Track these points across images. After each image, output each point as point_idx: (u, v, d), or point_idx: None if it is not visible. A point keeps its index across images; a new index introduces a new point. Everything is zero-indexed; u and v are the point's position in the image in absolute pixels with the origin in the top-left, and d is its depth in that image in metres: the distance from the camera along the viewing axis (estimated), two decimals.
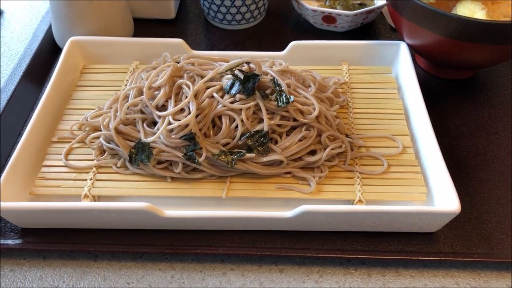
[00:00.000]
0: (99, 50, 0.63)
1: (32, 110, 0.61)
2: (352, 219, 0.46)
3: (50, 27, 0.70)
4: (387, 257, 0.47)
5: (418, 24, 0.56)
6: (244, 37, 0.73)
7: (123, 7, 0.68)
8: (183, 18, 0.76)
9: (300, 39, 0.64)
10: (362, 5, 0.72)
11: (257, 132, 0.49)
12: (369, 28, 0.73)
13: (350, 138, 0.53)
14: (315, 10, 0.69)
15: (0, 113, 0.58)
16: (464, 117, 0.61)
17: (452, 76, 0.65)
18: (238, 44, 0.72)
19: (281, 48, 0.63)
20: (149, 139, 0.48)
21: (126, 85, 0.59)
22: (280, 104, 0.49)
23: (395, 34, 0.73)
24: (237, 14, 0.71)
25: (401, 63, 0.61)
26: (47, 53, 0.68)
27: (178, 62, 0.55)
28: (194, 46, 0.66)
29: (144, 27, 0.73)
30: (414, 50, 0.63)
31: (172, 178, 0.50)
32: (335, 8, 0.71)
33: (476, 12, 0.55)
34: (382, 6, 0.69)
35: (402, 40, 0.62)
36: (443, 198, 0.47)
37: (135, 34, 0.72)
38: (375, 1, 0.72)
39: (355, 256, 0.47)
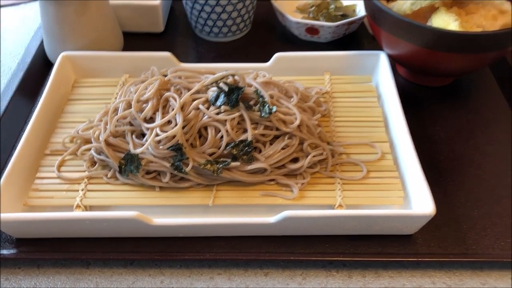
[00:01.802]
0: (89, 64, 0.66)
1: (25, 123, 0.62)
2: (333, 223, 0.49)
3: (42, 43, 0.72)
4: (367, 259, 0.49)
5: (396, 35, 0.59)
6: (231, 49, 0.75)
7: (112, 22, 0.70)
8: (172, 31, 0.79)
9: (285, 50, 0.67)
10: (344, 16, 0.74)
11: (242, 141, 0.51)
12: (351, 38, 0.76)
13: (331, 145, 0.55)
14: (298, 22, 0.71)
15: None
16: (443, 123, 0.63)
17: (431, 84, 0.68)
18: (225, 55, 0.74)
19: (266, 59, 0.66)
20: (138, 150, 0.51)
21: (116, 98, 0.61)
22: (263, 114, 0.51)
23: (376, 43, 0.75)
24: (223, 27, 0.73)
25: (381, 72, 0.63)
26: (39, 68, 0.70)
27: (165, 75, 0.57)
28: (182, 59, 0.68)
29: (134, 40, 0.75)
30: (394, 60, 0.65)
31: (161, 188, 0.52)
32: (318, 19, 0.74)
33: (450, 23, 0.57)
34: (362, 17, 0.72)
35: (382, 50, 0.65)
36: (420, 201, 0.49)
37: (125, 48, 0.74)
38: (357, 12, 0.75)
39: (336, 258, 0.49)
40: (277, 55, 0.65)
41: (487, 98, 0.67)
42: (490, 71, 0.70)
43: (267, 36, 0.78)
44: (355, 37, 0.76)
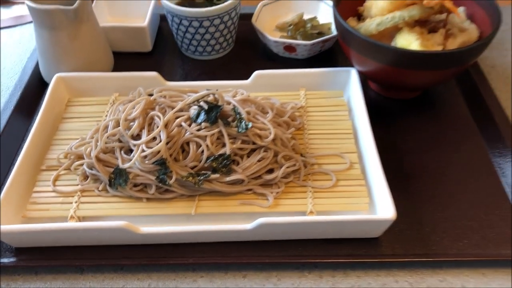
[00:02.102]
0: (82, 85, 0.70)
1: (22, 141, 0.67)
2: (305, 228, 0.53)
3: (37, 64, 0.76)
4: (336, 261, 0.54)
5: (363, 54, 0.64)
6: (215, 66, 0.80)
7: (103, 44, 0.75)
8: (160, 50, 0.84)
9: (265, 66, 0.72)
10: (320, 33, 0.79)
11: (221, 155, 0.56)
12: (327, 54, 0.81)
13: (304, 157, 0.60)
14: (276, 41, 0.76)
15: None
16: (411, 134, 0.68)
17: (400, 97, 0.72)
18: (209, 73, 0.79)
19: (248, 75, 0.70)
20: (126, 165, 0.55)
21: (106, 116, 0.66)
22: (240, 130, 0.56)
23: None
24: (207, 46, 0.78)
25: (352, 88, 0.68)
26: (35, 88, 0.75)
27: (151, 95, 0.62)
28: (169, 76, 0.73)
29: (124, 60, 0.80)
30: (364, 75, 0.70)
31: (147, 199, 0.56)
32: (296, 37, 0.79)
33: (412, 42, 0.62)
34: (336, 36, 0.77)
35: (353, 66, 0.70)
36: (383, 207, 0.54)
37: (115, 67, 0.78)
38: (332, 30, 0.80)
39: (308, 260, 0.54)
40: (256, 73, 0.70)
41: (452, 109, 0.71)
42: (456, 83, 0.75)
43: (249, 53, 0.83)
44: (331, 53, 0.81)
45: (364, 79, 0.73)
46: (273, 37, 0.78)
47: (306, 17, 0.82)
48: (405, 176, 0.62)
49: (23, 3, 0.95)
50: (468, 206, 0.59)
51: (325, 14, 0.83)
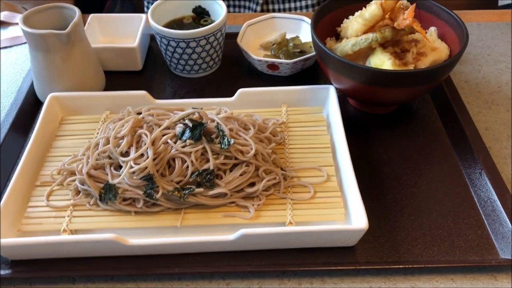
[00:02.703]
0: (75, 103, 0.74)
1: (18, 158, 0.70)
2: (284, 238, 0.57)
3: (32, 84, 0.80)
4: (314, 269, 0.57)
5: (339, 73, 0.67)
6: (202, 83, 0.84)
7: (95, 64, 0.79)
8: (149, 69, 0.87)
9: (250, 84, 0.76)
10: (302, 52, 0.83)
11: (205, 170, 0.59)
12: (309, 71, 0.85)
13: (284, 170, 0.64)
14: (260, 60, 0.80)
15: None
16: (385, 147, 0.72)
17: (377, 111, 0.76)
18: (197, 90, 0.83)
19: (234, 92, 0.74)
20: (115, 181, 0.59)
21: (97, 133, 0.70)
22: (223, 146, 0.60)
23: None
24: (194, 65, 0.82)
25: (330, 104, 0.72)
26: (30, 107, 0.78)
27: (140, 113, 0.66)
28: (158, 94, 0.77)
29: (115, 78, 0.84)
30: (342, 92, 0.74)
31: (136, 212, 0.60)
32: (278, 56, 0.83)
33: (384, 61, 0.66)
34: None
35: (331, 84, 0.74)
36: (357, 217, 0.57)
37: (107, 85, 0.82)
38: (313, 49, 0.84)
39: (288, 268, 0.57)
40: (240, 90, 0.73)
41: (426, 123, 0.75)
42: (430, 98, 0.79)
43: (235, 71, 0.87)
44: (312, 71, 0.85)
45: (343, 95, 0.77)
46: (257, 55, 0.82)
47: (289, 36, 0.86)
48: (380, 187, 0.66)
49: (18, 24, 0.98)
50: (438, 215, 0.62)
51: (307, 33, 0.87)
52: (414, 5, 0.67)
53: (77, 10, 0.73)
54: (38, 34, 0.69)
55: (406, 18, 0.65)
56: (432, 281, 0.57)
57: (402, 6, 0.68)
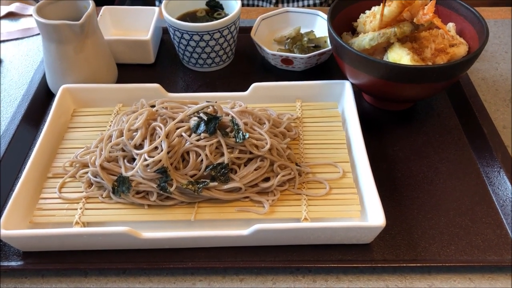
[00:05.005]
0: (87, 96, 0.73)
1: (30, 150, 0.70)
2: (299, 234, 0.56)
3: (44, 75, 0.79)
4: (329, 265, 0.56)
5: (356, 68, 0.66)
6: (215, 78, 0.83)
7: (108, 56, 0.78)
8: (162, 62, 0.87)
9: (263, 78, 0.75)
10: (316, 47, 0.82)
11: (219, 164, 0.59)
12: (323, 67, 0.84)
13: (299, 166, 0.63)
14: (274, 54, 0.79)
15: (3, 153, 0.67)
16: (401, 144, 0.71)
17: (393, 108, 0.75)
18: (210, 84, 0.82)
19: (247, 87, 0.73)
20: (129, 173, 0.58)
21: (110, 126, 0.69)
22: (237, 140, 0.59)
23: None
24: (207, 59, 0.81)
25: (346, 99, 0.71)
26: (42, 99, 0.78)
27: (153, 106, 0.65)
28: (170, 88, 0.76)
29: (127, 71, 0.83)
30: (357, 88, 0.73)
31: (149, 206, 0.59)
32: (293, 51, 0.82)
33: (403, 56, 0.65)
34: (331, 49, 0.80)
35: (347, 79, 0.72)
36: (374, 214, 0.56)
37: (119, 78, 0.81)
38: (328, 43, 0.83)
39: (302, 265, 0.56)
40: (254, 85, 0.73)
41: (442, 120, 0.74)
42: (447, 95, 0.78)
43: (248, 65, 0.86)
44: (327, 66, 0.84)
45: (359, 91, 0.76)
46: (271, 50, 0.80)
47: (303, 30, 0.86)
48: (396, 185, 0.65)
49: (30, 16, 0.98)
50: (455, 214, 0.61)
51: (322, 28, 0.86)
52: (434, 0, 0.65)
53: (91, 1, 0.72)
54: (51, 25, 0.69)
55: (426, 13, 0.64)
56: (449, 280, 0.56)
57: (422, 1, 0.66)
